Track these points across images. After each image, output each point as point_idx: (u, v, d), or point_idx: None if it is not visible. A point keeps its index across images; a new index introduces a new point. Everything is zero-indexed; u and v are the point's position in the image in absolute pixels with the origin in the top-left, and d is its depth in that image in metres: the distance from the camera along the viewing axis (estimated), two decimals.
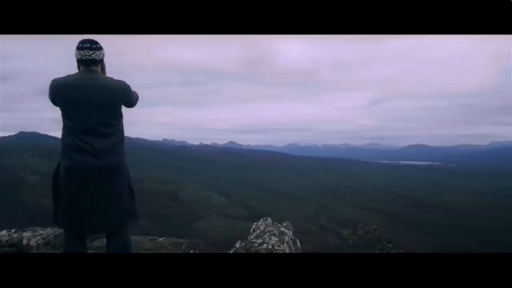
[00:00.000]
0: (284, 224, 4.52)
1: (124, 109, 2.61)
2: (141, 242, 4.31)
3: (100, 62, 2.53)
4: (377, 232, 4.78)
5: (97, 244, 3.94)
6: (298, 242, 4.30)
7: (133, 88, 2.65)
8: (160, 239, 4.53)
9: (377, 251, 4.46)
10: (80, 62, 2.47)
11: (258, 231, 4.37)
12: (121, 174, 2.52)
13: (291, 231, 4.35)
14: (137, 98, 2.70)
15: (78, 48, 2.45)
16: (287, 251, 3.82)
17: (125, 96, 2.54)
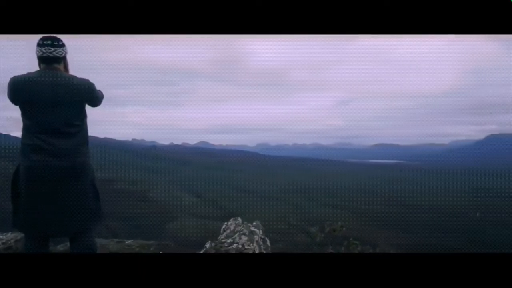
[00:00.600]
0: (254, 223, 4.54)
1: (92, 109, 2.55)
2: (107, 244, 4.20)
3: (63, 59, 2.43)
4: (343, 229, 4.89)
5: (60, 248, 3.80)
6: (268, 241, 4.32)
7: (104, 87, 2.58)
8: (128, 241, 4.44)
9: (343, 248, 4.56)
10: (41, 59, 2.37)
11: (228, 231, 4.36)
12: (85, 175, 2.45)
13: (261, 230, 4.37)
14: (102, 97, 2.62)
15: (38, 45, 2.34)
16: (257, 251, 3.83)
17: (89, 95, 2.47)
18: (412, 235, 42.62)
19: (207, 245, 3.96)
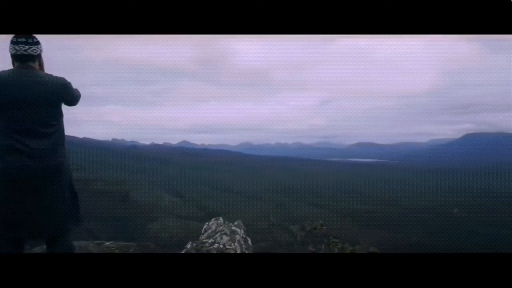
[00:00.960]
0: (236, 223, 4.55)
1: (70, 108, 2.49)
2: (86, 246, 4.12)
3: (38, 57, 2.37)
4: (324, 227, 4.96)
5: (37, 251, 3.72)
6: (249, 240, 4.34)
7: (83, 86, 2.53)
8: (107, 243, 4.37)
9: (323, 246, 4.62)
10: (15, 57, 2.31)
11: (209, 231, 4.36)
12: (62, 175, 2.40)
13: (242, 230, 4.38)
14: (79, 96, 2.57)
15: (12, 42, 2.29)
16: (238, 250, 3.84)
17: (65, 93, 2.41)
18: (394, 233, 43.40)
19: (188, 246, 3.95)
